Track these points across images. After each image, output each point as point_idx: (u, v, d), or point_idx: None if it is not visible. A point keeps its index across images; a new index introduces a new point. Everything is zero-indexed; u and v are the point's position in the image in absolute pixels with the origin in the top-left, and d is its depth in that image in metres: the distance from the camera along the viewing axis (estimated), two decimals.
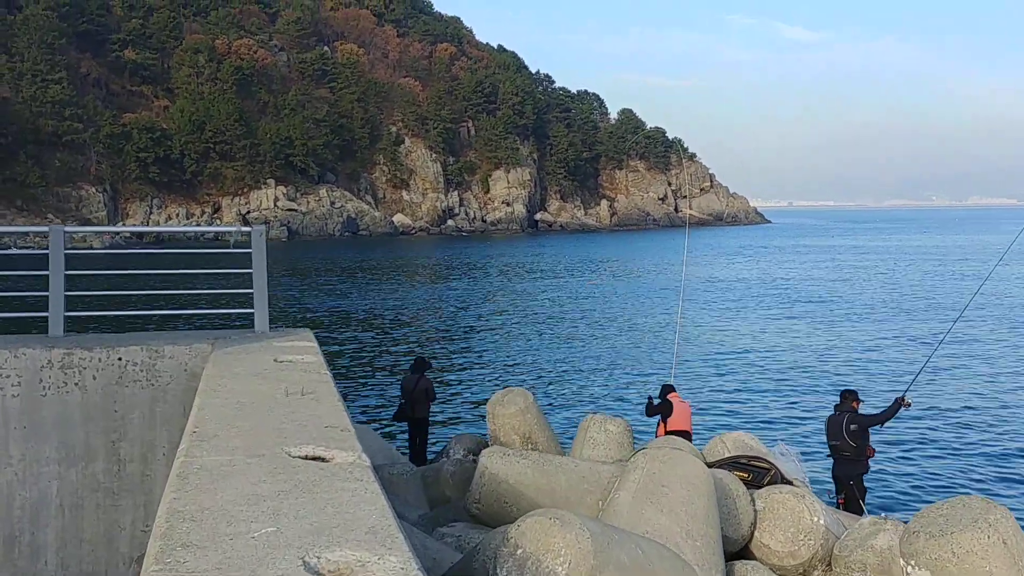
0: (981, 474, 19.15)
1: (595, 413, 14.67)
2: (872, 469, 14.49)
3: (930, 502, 16.80)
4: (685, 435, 15.01)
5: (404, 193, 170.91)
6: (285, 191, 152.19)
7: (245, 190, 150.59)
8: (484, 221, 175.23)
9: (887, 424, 14.46)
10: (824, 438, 14.24)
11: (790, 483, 11.01)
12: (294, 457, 5.96)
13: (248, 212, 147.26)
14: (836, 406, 14.38)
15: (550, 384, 29.38)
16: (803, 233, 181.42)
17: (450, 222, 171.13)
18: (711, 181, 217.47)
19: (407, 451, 17.21)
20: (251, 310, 11.78)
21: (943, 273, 77.33)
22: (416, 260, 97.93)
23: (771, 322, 45.27)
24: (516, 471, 9.95)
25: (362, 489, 5.22)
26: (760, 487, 10.66)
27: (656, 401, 15.53)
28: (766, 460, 11.16)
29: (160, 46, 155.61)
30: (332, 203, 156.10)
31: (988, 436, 22.04)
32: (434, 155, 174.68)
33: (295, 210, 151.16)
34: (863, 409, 14.56)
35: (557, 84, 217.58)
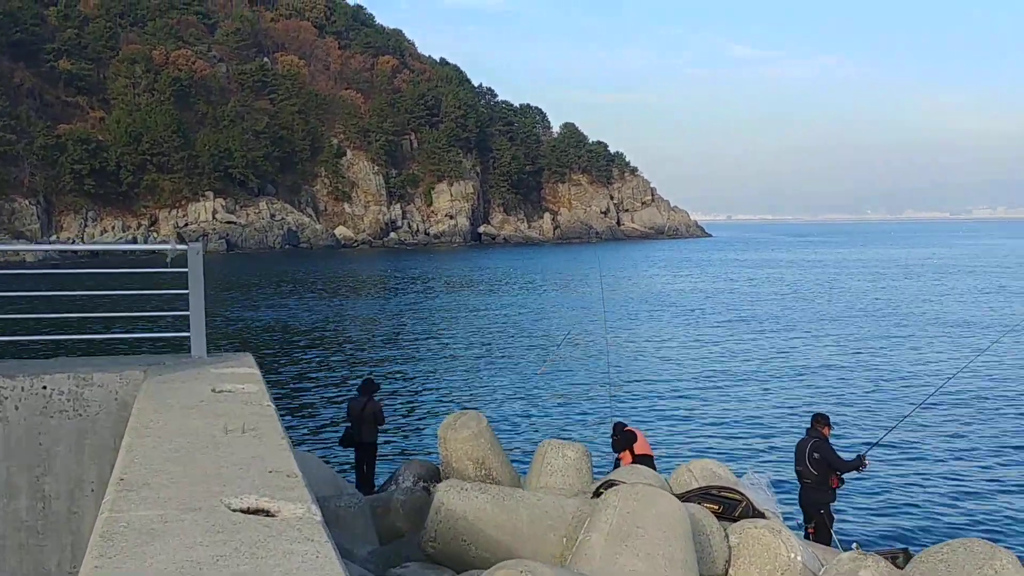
0: (966, 507, 18.37)
1: (552, 438, 14.06)
2: (847, 497, 14.08)
3: (909, 532, 16.22)
4: (650, 459, 14.50)
5: (346, 206, 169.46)
6: (224, 203, 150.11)
7: (183, 202, 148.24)
8: (427, 234, 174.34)
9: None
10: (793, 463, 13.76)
11: (762, 515, 10.50)
12: (235, 511, 5.28)
13: (186, 225, 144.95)
14: (807, 430, 13.90)
15: (502, 405, 28.25)
16: (745, 247, 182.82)
17: (393, 235, 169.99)
18: (652, 195, 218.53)
19: (354, 478, 16.46)
20: (187, 334, 11.04)
21: (894, 287, 77.97)
22: (360, 274, 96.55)
23: (723, 338, 44.69)
24: (475, 507, 9.31)
25: (313, 552, 4.57)
26: (732, 519, 10.15)
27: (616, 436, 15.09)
28: (737, 491, 10.64)
29: (96, 56, 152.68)
30: (272, 216, 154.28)
31: (971, 466, 21.23)
32: (376, 168, 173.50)
33: (234, 223, 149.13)
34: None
35: (500, 98, 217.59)
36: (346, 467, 18.53)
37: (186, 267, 10.96)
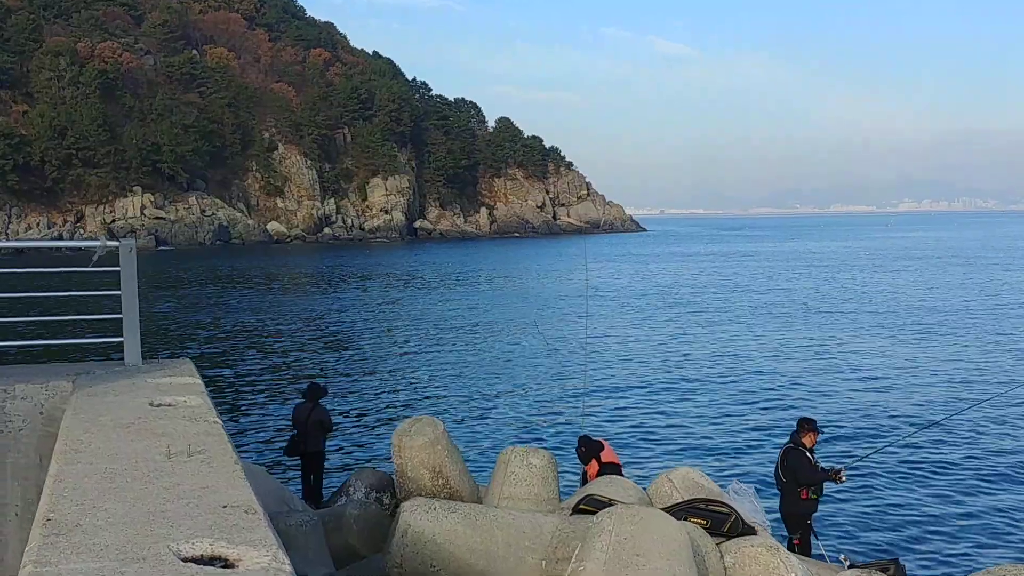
0: (950, 514, 17.64)
1: (515, 444, 13.26)
2: (827, 504, 13.48)
3: (893, 542, 15.48)
4: (617, 468, 13.82)
5: (278, 200, 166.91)
6: (152, 199, 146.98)
7: (110, 198, 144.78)
8: (362, 229, 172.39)
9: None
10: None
11: (752, 529, 9.84)
12: (185, 560, 4.42)
13: (113, 221, 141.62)
14: (791, 435, 13.22)
15: (457, 409, 26.82)
16: (680, 240, 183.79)
17: (327, 230, 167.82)
18: (588, 189, 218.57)
19: (300, 490, 15.52)
20: (120, 339, 10.05)
21: (829, 279, 78.33)
22: (297, 270, 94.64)
23: (689, 335, 43.48)
24: (444, 528, 8.48)
25: None
26: (722, 535, 9.47)
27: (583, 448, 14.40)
28: (725, 504, 9.95)
29: (19, 49, 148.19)
30: (203, 211, 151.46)
31: (960, 477, 20.25)
32: (309, 162, 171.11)
33: (163, 218, 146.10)
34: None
35: (434, 92, 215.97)
36: (292, 478, 17.54)
37: (118, 266, 10.01)
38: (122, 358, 10.10)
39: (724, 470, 19.39)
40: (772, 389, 30.19)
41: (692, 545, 8.18)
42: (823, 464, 12.85)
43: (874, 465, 19.57)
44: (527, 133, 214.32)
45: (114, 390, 8.53)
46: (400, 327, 46.96)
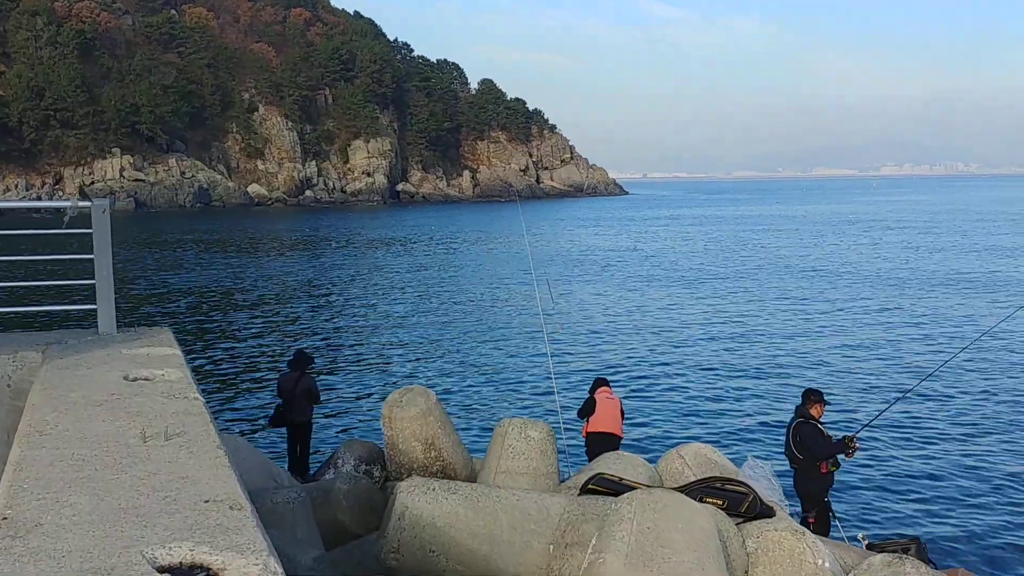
0: (970, 487, 16.73)
1: (512, 416, 12.67)
2: (841, 477, 12.87)
3: (911, 516, 14.64)
4: (610, 439, 13.20)
5: (259, 163, 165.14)
6: (132, 160, 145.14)
7: (88, 159, 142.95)
8: (344, 192, 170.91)
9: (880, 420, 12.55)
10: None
11: (771, 510, 9.30)
12: (161, 570, 3.83)
13: (92, 183, 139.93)
14: (796, 408, 12.65)
15: (449, 378, 25.74)
16: (664, 203, 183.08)
17: (308, 193, 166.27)
18: (571, 153, 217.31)
19: (286, 463, 14.92)
20: (93, 306, 9.37)
21: (820, 243, 77.94)
22: (279, 234, 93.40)
23: (681, 301, 42.29)
24: (445, 510, 7.89)
25: None
26: (740, 515, 8.91)
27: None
28: (743, 483, 9.40)
29: None
30: (182, 173, 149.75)
31: (976, 444, 19.30)
32: (290, 123, 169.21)
33: (143, 180, 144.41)
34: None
35: (416, 53, 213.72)
36: (278, 451, 16.93)
37: (90, 228, 9.32)
38: (96, 326, 9.45)
39: (724, 443, 18.71)
40: (764, 356, 29.30)
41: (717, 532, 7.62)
42: (836, 435, 12.24)
43: (879, 431, 18.93)
44: (510, 95, 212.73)
45: (86, 362, 7.88)
46: (386, 293, 45.61)
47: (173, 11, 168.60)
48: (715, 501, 8.78)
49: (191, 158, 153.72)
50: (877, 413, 14.09)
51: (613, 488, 8.74)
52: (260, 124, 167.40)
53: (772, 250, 69.74)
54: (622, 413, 13.81)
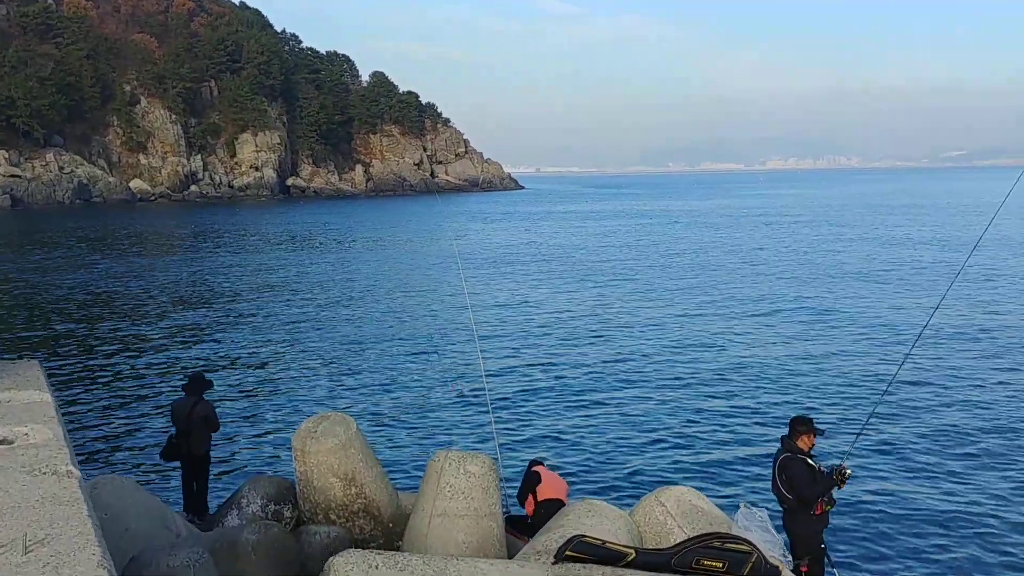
0: (967, 513, 14.78)
1: (445, 448, 11.15)
2: (837, 515, 11.43)
3: (915, 559, 12.78)
4: (560, 505, 11.77)
5: (141, 157, 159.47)
6: (7, 156, 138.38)
7: None
8: (231, 187, 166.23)
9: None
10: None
11: (776, 570, 7.98)
12: None
13: None
14: (782, 439, 11.07)
15: (368, 402, 22.55)
16: (561, 198, 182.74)
17: (193, 188, 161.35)
18: (466, 147, 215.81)
19: (180, 501, 13.12)
20: None
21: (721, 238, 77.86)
22: (164, 230, 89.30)
23: (609, 303, 39.37)
24: None
25: None
26: None
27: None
28: (743, 539, 8.04)
29: None
30: (61, 168, 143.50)
31: (970, 457, 17.70)
32: (174, 116, 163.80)
33: (19, 176, 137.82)
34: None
35: (304, 44, 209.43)
36: (170, 489, 14.98)
37: None
38: None
39: (695, 478, 16.43)
40: (723, 366, 26.36)
41: None
42: (824, 466, 10.79)
43: (865, 454, 17.29)
44: (403, 88, 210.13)
45: None
46: (290, 300, 41.40)
47: (50, 1, 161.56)
48: (714, 564, 7.42)
49: (70, 153, 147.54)
50: (856, 434, 12.43)
51: (597, 555, 7.34)
52: (142, 117, 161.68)
53: (691, 247, 67.60)
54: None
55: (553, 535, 8.51)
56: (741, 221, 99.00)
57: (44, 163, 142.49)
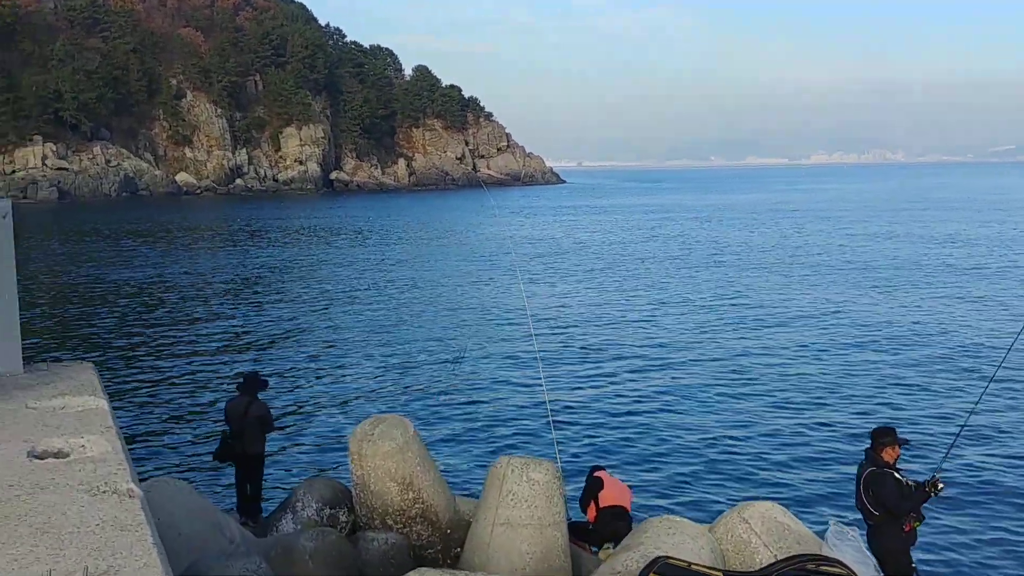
0: None
1: (508, 454, 10.75)
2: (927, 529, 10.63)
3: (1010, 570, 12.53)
4: (623, 512, 11.32)
5: (187, 150, 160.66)
6: (55, 149, 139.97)
7: (9, 148, 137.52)
8: (276, 180, 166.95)
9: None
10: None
11: None
12: None
13: (13, 172, 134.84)
14: (865, 451, 10.51)
15: (425, 404, 21.91)
16: (604, 192, 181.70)
17: (238, 181, 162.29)
18: (508, 140, 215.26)
19: (235, 503, 12.82)
20: None
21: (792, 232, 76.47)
22: (212, 224, 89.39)
23: (673, 305, 37.39)
24: None
25: None
26: None
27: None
28: (837, 561, 7.57)
29: None
30: (107, 161, 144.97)
31: None
32: (219, 110, 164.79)
33: (66, 169, 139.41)
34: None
35: (348, 39, 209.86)
36: (221, 490, 14.67)
37: None
38: None
39: (775, 492, 15.39)
40: (803, 371, 25.12)
41: None
42: (912, 479, 10.16)
43: (957, 465, 16.23)
44: (445, 82, 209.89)
45: None
46: (345, 298, 40.32)
47: None
48: None
49: (116, 146, 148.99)
50: (950, 443, 11.53)
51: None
52: (188, 111, 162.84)
53: (759, 247, 63.73)
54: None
55: (632, 554, 8.11)
56: (800, 218, 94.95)
57: (91, 156, 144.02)
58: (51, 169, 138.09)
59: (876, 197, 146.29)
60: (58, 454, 5.25)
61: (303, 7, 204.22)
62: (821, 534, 9.75)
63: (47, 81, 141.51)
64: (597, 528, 11.68)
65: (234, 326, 33.98)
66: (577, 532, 11.47)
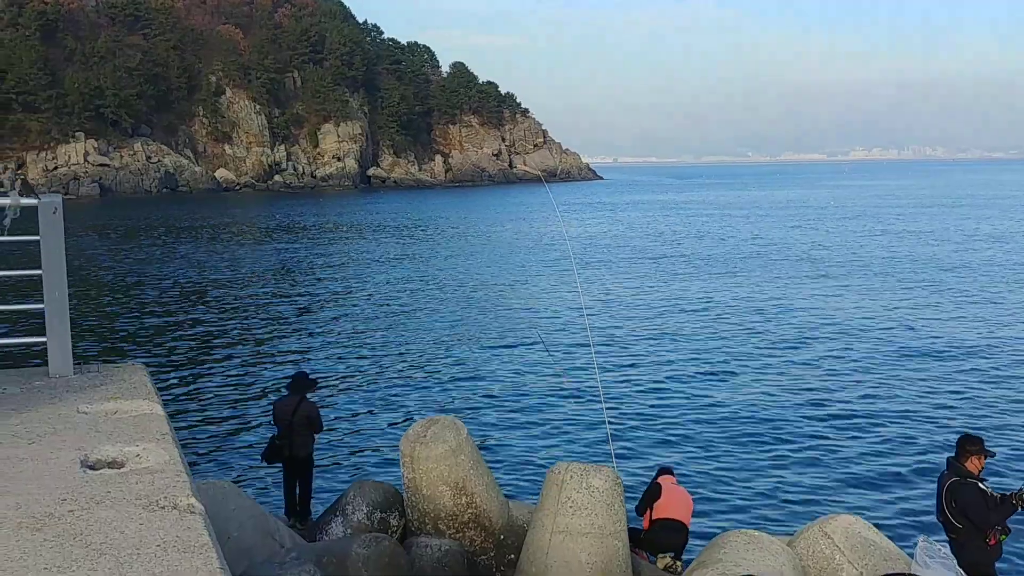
0: None
1: (567, 460, 10.42)
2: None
3: None
4: (679, 526, 10.92)
5: (227, 147, 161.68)
6: (96, 145, 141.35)
7: (52, 144, 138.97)
8: (314, 176, 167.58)
9: None
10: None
11: None
12: None
13: (56, 168, 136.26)
14: (948, 460, 10.06)
15: (475, 405, 21.39)
16: (642, 188, 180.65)
17: (277, 177, 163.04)
18: (544, 137, 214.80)
19: (283, 505, 12.59)
20: (41, 338, 7.04)
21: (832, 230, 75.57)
22: (252, 220, 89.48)
23: (734, 302, 36.35)
24: None
25: None
26: None
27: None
28: None
29: None
30: (148, 157, 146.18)
31: None
32: (258, 107, 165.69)
33: (107, 165, 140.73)
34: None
35: (386, 35, 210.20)
36: (269, 491, 14.42)
37: (38, 235, 6.98)
38: (44, 365, 7.12)
39: (854, 503, 14.79)
40: (869, 382, 23.81)
41: None
42: (997, 490, 9.68)
43: None
44: (482, 79, 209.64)
45: (28, 428, 5.57)
46: (394, 296, 39.58)
47: None
48: None
49: (157, 142, 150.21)
50: None
51: None
52: (227, 107, 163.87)
53: (828, 245, 61.02)
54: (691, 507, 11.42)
55: (709, 572, 7.74)
56: (867, 219, 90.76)
57: (132, 152, 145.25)
58: (93, 165, 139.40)
59: (943, 193, 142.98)
60: (112, 464, 4.97)
61: (341, 4, 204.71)
62: (906, 549, 9.29)
63: (89, 78, 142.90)
64: (648, 538, 11.34)
65: (280, 324, 33.53)
66: (631, 537, 11.14)
